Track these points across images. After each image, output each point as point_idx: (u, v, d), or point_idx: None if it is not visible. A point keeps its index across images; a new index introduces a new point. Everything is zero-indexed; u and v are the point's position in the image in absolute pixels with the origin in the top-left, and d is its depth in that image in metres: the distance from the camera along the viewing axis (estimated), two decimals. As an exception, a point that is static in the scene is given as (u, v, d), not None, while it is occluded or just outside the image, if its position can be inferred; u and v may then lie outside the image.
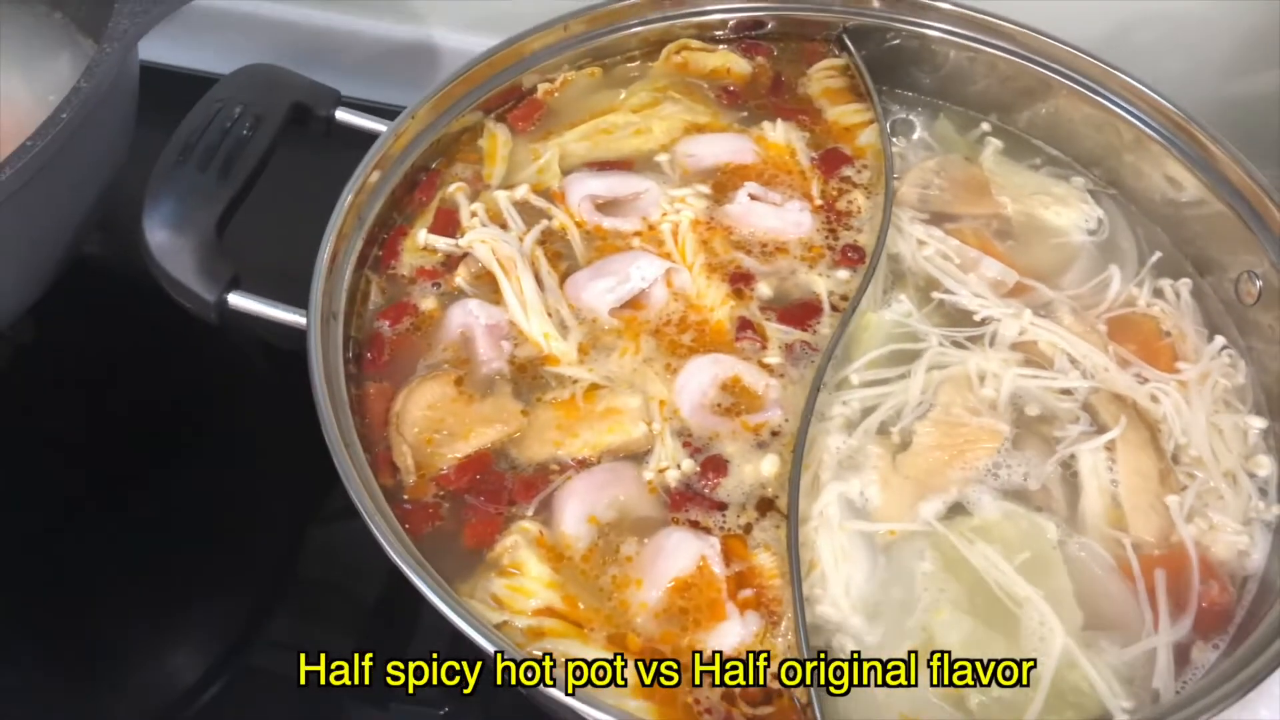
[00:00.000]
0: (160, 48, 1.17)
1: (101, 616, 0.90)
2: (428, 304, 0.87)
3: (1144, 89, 0.97)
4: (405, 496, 0.76)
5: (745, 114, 1.02)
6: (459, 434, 0.79)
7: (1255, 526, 0.81)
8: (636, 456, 0.79)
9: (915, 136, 1.06)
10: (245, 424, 0.97)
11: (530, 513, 0.76)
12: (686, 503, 0.77)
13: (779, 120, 0.99)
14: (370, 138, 0.92)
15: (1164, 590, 0.77)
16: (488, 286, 0.88)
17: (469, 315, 0.85)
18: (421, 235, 0.90)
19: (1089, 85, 0.99)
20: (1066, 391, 0.87)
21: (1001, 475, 0.83)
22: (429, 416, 0.79)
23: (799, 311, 0.88)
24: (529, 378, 0.83)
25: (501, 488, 0.77)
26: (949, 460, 0.83)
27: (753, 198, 0.93)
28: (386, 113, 0.94)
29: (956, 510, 0.81)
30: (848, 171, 0.98)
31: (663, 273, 0.88)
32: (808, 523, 0.78)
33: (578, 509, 0.75)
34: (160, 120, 0.92)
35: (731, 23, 1.05)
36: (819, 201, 0.95)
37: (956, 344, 0.89)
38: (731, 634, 0.70)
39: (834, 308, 0.89)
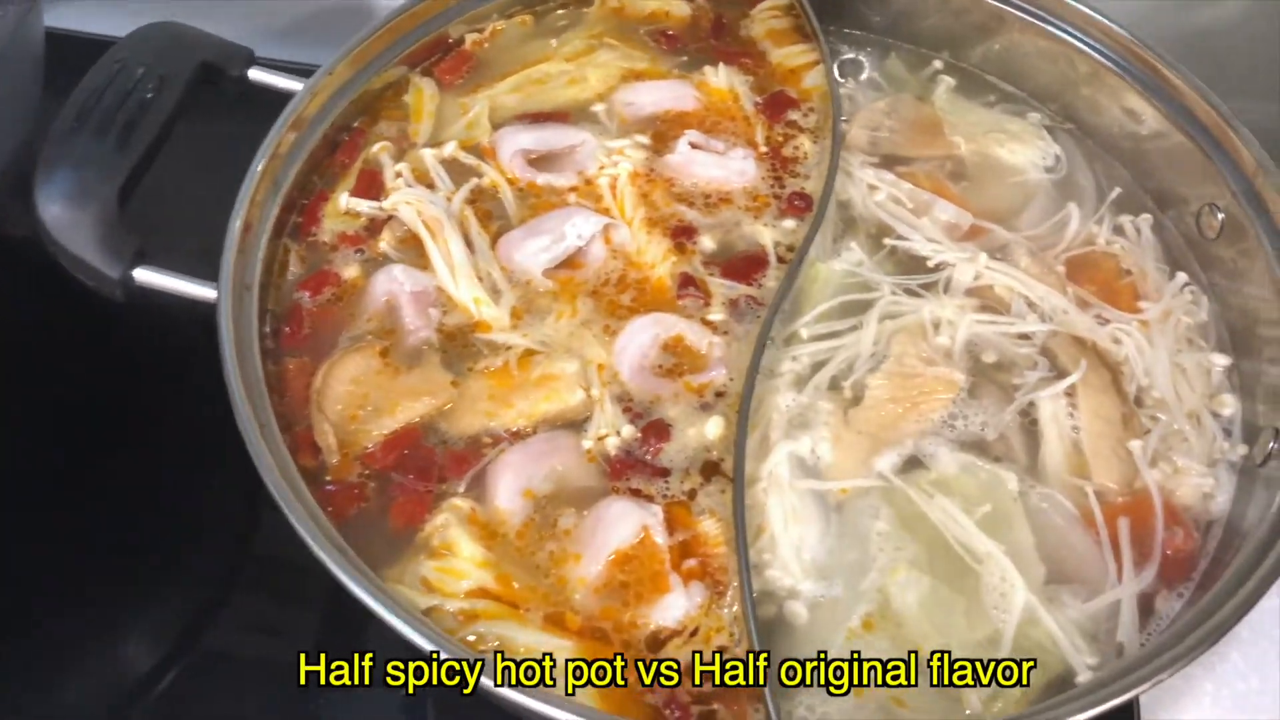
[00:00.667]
0: (70, 14, 1.11)
1: (50, 613, 0.86)
2: (350, 272, 0.82)
3: (1100, 18, 0.93)
4: (328, 478, 0.72)
5: (685, 59, 0.97)
6: (384, 409, 0.75)
7: (1220, 468, 0.78)
8: (574, 425, 0.75)
9: (864, 77, 1.01)
10: (170, 406, 0.92)
11: (462, 489, 0.72)
12: (627, 470, 0.73)
13: (721, 64, 0.94)
14: (287, 98, 0.86)
15: (1127, 539, 0.74)
16: (414, 251, 0.83)
17: (394, 282, 0.80)
18: (343, 199, 0.85)
19: (1043, 17, 0.96)
20: (1024, 336, 0.83)
21: (958, 426, 0.79)
22: (352, 392, 0.75)
23: (743, 265, 0.84)
24: (459, 346, 0.79)
25: (431, 464, 0.73)
26: (903, 413, 0.79)
27: (694, 146, 0.89)
28: (307, 72, 0.88)
29: (913, 465, 0.78)
30: (794, 115, 0.93)
31: (600, 229, 0.84)
32: (756, 484, 0.75)
33: (512, 483, 0.71)
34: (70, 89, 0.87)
35: (668, -40, 1.00)
36: (764, 149, 0.91)
37: (910, 292, 0.86)
38: (675, 607, 0.67)
39: (780, 259, 0.85)
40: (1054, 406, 0.79)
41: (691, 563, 0.69)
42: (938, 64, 1.02)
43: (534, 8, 0.98)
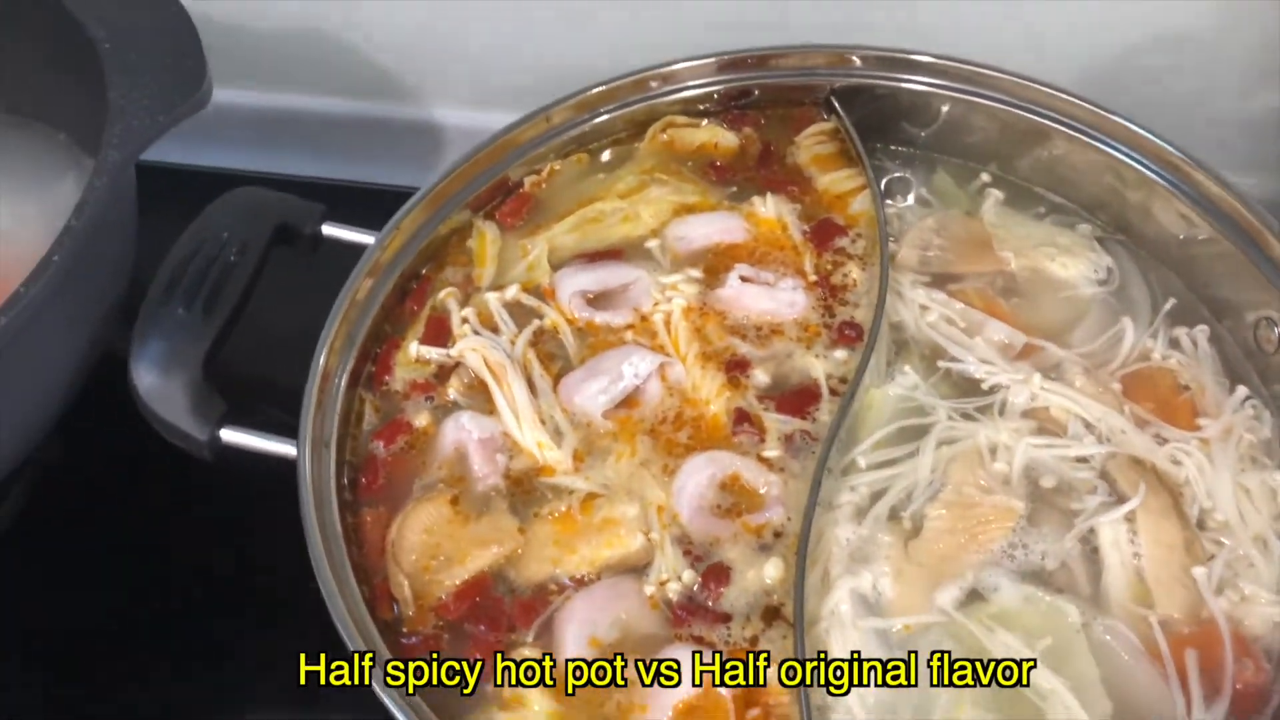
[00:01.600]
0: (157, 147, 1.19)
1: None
2: (421, 420, 0.86)
3: (1138, 130, 0.94)
4: (405, 629, 0.75)
5: (735, 189, 1.00)
6: (456, 558, 0.78)
7: (1291, 595, 0.78)
8: (637, 569, 0.78)
9: (912, 194, 1.03)
10: (252, 563, 0.97)
11: (530, 638, 0.75)
12: (690, 617, 0.75)
13: (769, 194, 0.97)
14: (359, 249, 0.92)
15: (1196, 673, 0.74)
16: (482, 396, 0.87)
17: (461, 430, 0.84)
18: (413, 347, 0.90)
19: (1083, 130, 0.97)
20: (1082, 459, 0.84)
21: (1018, 556, 0.80)
22: (425, 541, 0.79)
23: (796, 399, 0.86)
24: (524, 491, 0.82)
25: (500, 613, 0.76)
26: (963, 544, 0.80)
27: (744, 279, 0.92)
28: (388, 195, 0.94)
29: (974, 597, 0.78)
30: (841, 242, 0.96)
31: (656, 367, 0.87)
32: (818, 624, 0.76)
33: (579, 632, 0.73)
34: (163, 218, 0.94)
35: (716, 95, 1.03)
36: (813, 277, 0.93)
37: (965, 416, 0.87)
38: (740, 757, 0.69)
39: (833, 391, 0.86)
40: (1114, 533, 0.80)
41: (755, 712, 0.71)
42: (985, 177, 1.03)
43: (588, 146, 1.02)
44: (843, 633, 0.76)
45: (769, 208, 0.96)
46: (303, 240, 0.93)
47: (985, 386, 0.88)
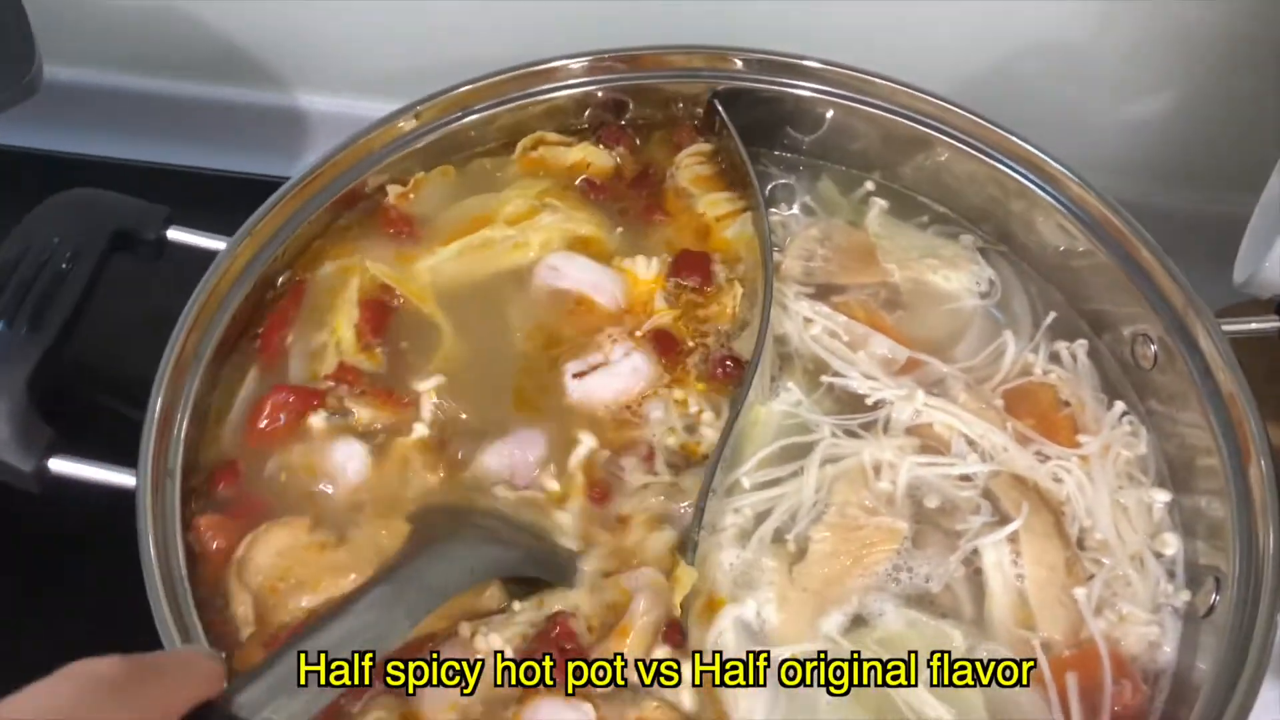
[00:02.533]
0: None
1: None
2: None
3: (1016, 139, 0.93)
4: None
5: (622, 217, 0.95)
6: (308, 583, 0.72)
7: (1165, 614, 0.78)
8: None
9: (797, 202, 1.01)
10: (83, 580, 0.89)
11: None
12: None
13: (648, 259, 0.91)
14: (209, 253, 0.84)
15: (1076, 696, 0.73)
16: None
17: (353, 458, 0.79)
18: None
19: (964, 139, 0.95)
20: (965, 478, 0.83)
21: (903, 579, 0.78)
22: (277, 564, 0.73)
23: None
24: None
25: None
26: (848, 567, 0.78)
27: (576, 376, 0.85)
28: (247, 186, 0.91)
29: (858, 622, 0.77)
30: (712, 269, 0.92)
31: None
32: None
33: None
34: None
35: (593, 101, 0.98)
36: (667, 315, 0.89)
37: (849, 433, 0.85)
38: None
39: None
40: (997, 554, 0.79)
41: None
42: (870, 185, 1.02)
43: (454, 158, 0.96)
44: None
45: (650, 269, 0.91)
46: (145, 247, 0.85)
47: (869, 402, 0.87)
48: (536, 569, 0.74)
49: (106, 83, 1.19)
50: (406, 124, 0.93)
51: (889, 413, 0.86)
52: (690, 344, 0.88)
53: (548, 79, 0.97)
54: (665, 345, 0.87)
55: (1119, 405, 0.88)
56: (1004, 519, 0.80)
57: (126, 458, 0.74)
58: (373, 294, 0.88)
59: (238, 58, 1.18)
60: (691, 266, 0.90)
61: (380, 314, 0.86)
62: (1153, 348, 0.86)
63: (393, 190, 0.93)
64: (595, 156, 0.97)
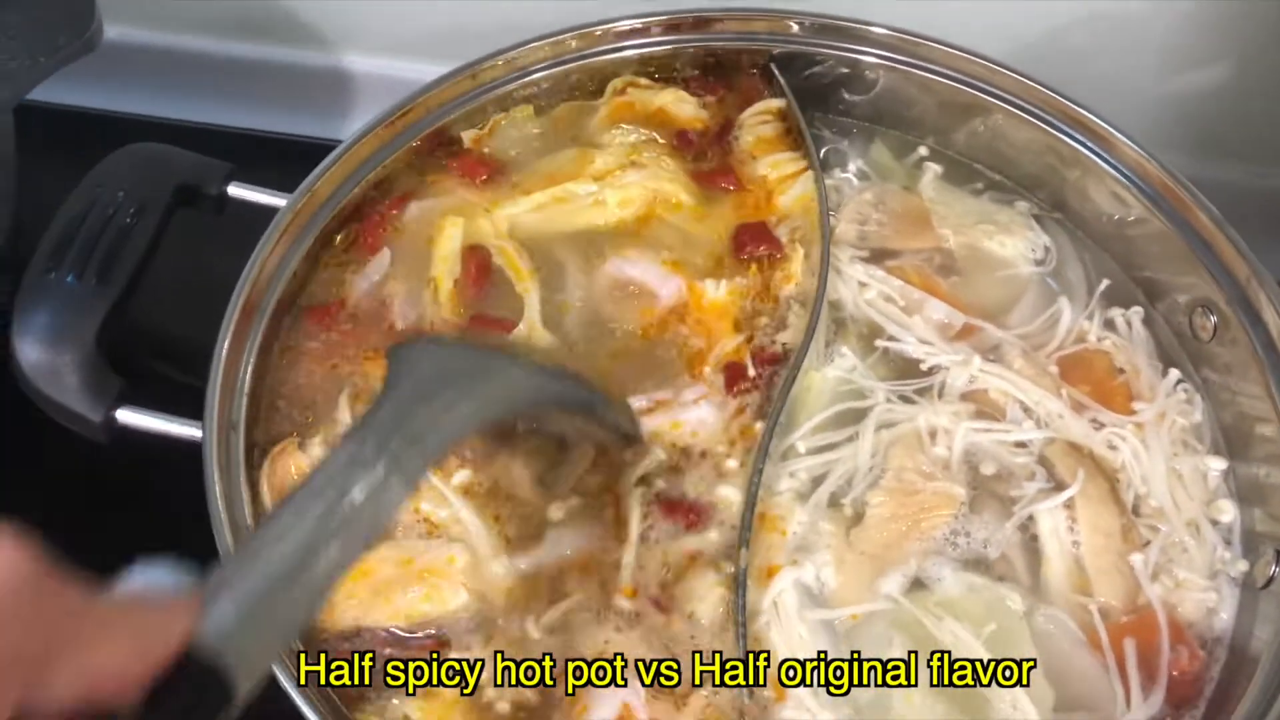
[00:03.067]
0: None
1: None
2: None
3: (1074, 106, 0.92)
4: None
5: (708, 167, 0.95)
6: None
7: (1221, 581, 0.78)
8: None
9: (851, 166, 1.00)
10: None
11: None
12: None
13: (722, 281, 0.88)
14: (269, 210, 0.85)
15: (1134, 661, 0.74)
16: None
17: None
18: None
19: (1017, 103, 0.95)
20: (1021, 444, 0.83)
21: (960, 544, 0.79)
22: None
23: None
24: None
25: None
26: (906, 531, 0.79)
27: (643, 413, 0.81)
28: (296, 148, 0.91)
29: (916, 586, 0.77)
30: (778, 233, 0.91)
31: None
32: (757, 618, 0.74)
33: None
34: (50, 166, 0.85)
35: (655, 59, 0.98)
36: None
37: (904, 398, 0.85)
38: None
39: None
40: (1053, 520, 0.79)
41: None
42: (923, 150, 1.01)
43: (533, 100, 0.96)
44: (785, 626, 0.74)
45: (720, 291, 0.88)
46: (207, 201, 0.86)
47: (924, 368, 0.87)
48: (562, 401, 0.64)
49: (161, 43, 1.19)
50: (465, 84, 0.92)
51: (944, 378, 0.86)
52: (751, 370, 0.84)
53: (604, 41, 0.96)
54: (733, 376, 0.84)
55: (1174, 373, 0.87)
56: (1059, 485, 0.80)
57: (189, 412, 0.75)
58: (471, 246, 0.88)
59: (286, 18, 1.18)
60: (757, 237, 0.90)
61: (482, 269, 0.86)
62: (1213, 319, 0.85)
63: (467, 135, 0.93)
64: (683, 102, 0.96)
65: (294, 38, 1.18)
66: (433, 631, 0.71)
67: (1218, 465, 0.83)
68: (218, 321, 0.78)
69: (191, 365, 0.78)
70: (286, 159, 0.90)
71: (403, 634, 0.71)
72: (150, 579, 0.40)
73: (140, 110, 1.16)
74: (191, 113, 1.17)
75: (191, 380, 0.75)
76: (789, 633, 0.73)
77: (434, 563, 0.73)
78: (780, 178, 0.93)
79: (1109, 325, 0.91)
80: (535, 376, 0.63)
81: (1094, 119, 0.92)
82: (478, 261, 0.86)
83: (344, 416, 0.78)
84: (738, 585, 0.72)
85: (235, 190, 0.87)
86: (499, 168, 0.93)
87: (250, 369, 0.79)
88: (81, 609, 0.34)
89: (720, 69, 0.99)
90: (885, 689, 0.72)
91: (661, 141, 0.95)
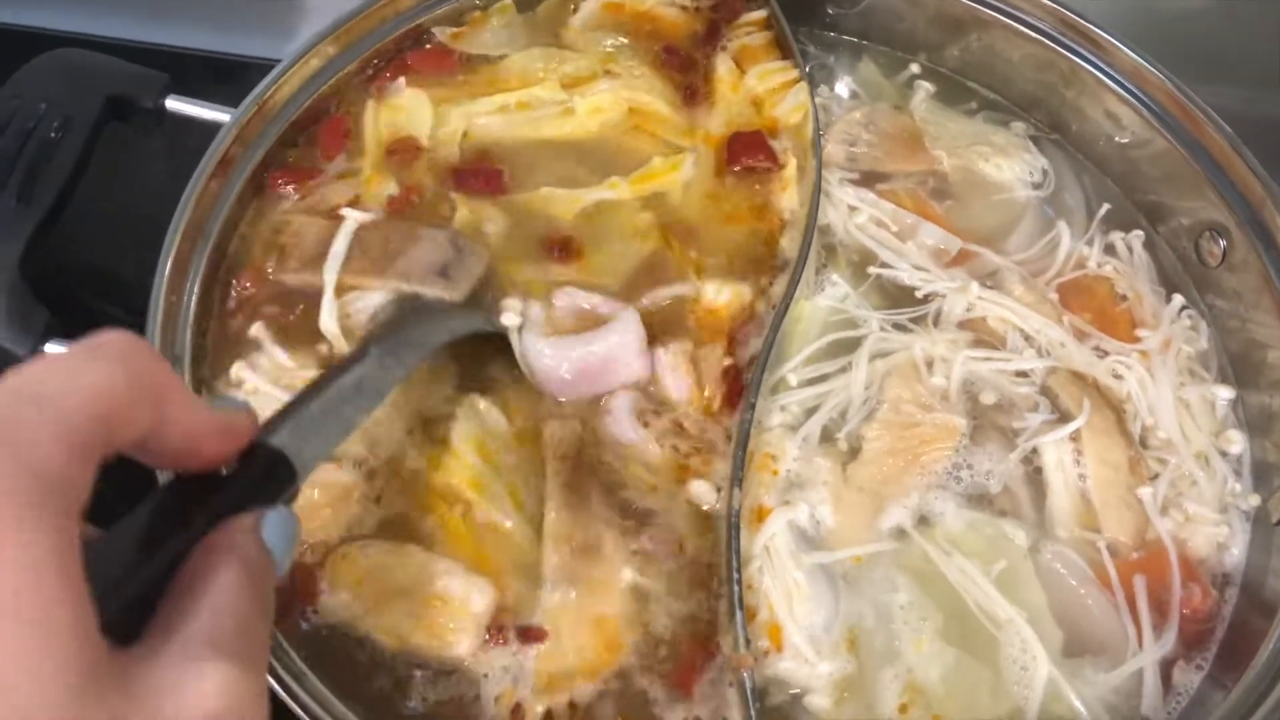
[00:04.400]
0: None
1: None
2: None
3: (1071, 14, 0.87)
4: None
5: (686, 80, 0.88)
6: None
7: (1232, 514, 0.75)
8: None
9: (839, 83, 0.95)
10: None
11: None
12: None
13: (725, 287, 0.78)
14: (209, 128, 0.77)
15: (1145, 599, 0.70)
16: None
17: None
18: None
19: (1014, 13, 0.90)
20: (1022, 374, 0.79)
21: (964, 478, 0.75)
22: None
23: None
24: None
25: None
26: (905, 466, 0.74)
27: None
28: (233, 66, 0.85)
29: (920, 522, 0.73)
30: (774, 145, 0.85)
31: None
32: (749, 563, 0.69)
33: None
34: None
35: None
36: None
37: (899, 327, 0.80)
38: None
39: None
40: (1058, 453, 0.75)
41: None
42: (915, 68, 0.96)
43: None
44: (778, 571, 0.69)
45: (724, 294, 0.78)
46: (141, 115, 0.78)
47: (919, 295, 0.82)
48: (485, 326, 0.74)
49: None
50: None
51: (940, 306, 0.81)
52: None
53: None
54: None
55: (1178, 299, 0.84)
56: (1064, 416, 0.76)
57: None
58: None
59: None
60: (752, 147, 0.83)
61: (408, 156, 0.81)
62: (1222, 243, 0.81)
63: (440, 32, 0.86)
64: (671, 5, 0.90)
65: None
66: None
67: (1226, 394, 0.80)
68: (155, 250, 0.71)
69: (127, 298, 0.71)
70: (227, 78, 0.82)
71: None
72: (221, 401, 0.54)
73: (58, 26, 1.06)
74: (121, 30, 1.08)
75: (122, 314, 0.68)
76: (783, 579, 0.69)
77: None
78: (770, 89, 0.87)
79: (1109, 250, 0.87)
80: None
81: (1098, 30, 0.87)
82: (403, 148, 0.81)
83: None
84: (729, 529, 0.67)
85: (173, 104, 0.79)
86: (466, 64, 0.86)
87: (194, 300, 0.72)
88: (185, 390, 0.41)
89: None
90: (891, 636, 0.68)
91: (639, 50, 0.88)
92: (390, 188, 0.79)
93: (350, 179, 0.80)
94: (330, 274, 0.73)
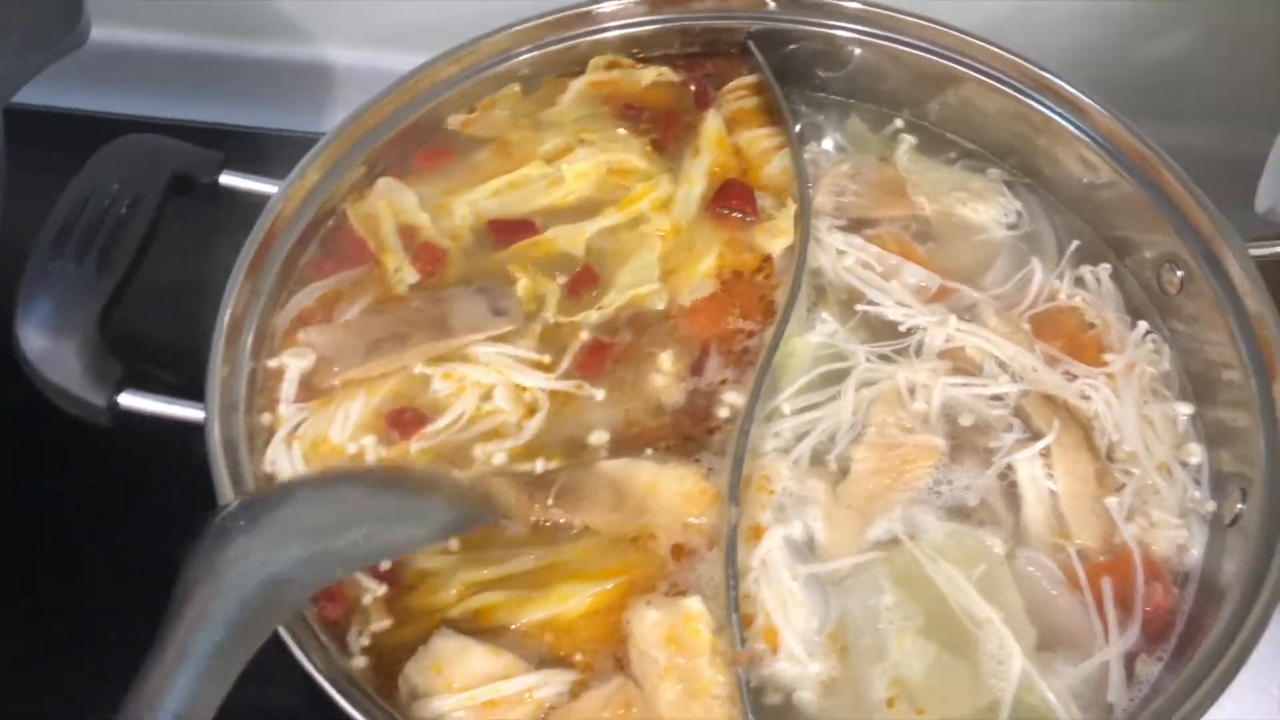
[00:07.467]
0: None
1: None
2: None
3: (1043, 73, 0.95)
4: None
5: (655, 136, 0.97)
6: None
7: (1192, 519, 0.81)
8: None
9: (828, 139, 1.03)
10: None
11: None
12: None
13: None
14: (259, 199, 0.87)
15: (1111, 599, 0.77)
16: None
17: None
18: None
19: (989, 72, 0.97)
20: (997, 397, 0.86)
21: (943, 492, 0.82)
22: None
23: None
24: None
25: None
26: (890, 484, 0.81)
27: None
28: (278, 141, 0.95)
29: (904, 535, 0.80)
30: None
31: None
32: (746, 575, 0.76)
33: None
34: (37, 167, 0.85)
35: (637, 40, 1.01)
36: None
37: (884, 358, 0.88)
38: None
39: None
40: (1031, 468, 0.82)
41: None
42: (899, 123, 1.04)
43: (519, 77, 0.99)
44: (774, 581, 0.76)
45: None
46: (200, 190, 0.88)
47: (902, 329, 0.89)
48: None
49: (143, 41, 1.21)
50: (450, 67, 0.95)
51: (922, 338, 0.89)
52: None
53: (581, 24, 0.99)
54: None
55: (1142, 325, 0.90)
56: (1036, 435, 0.83)
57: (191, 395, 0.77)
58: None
59: (269, 13, 1.20)
60: (742, 197, 0.92)
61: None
62: (1179, 273, 0.88)
63: (455, 120, 0.95)
64: (669, 80, 0.99)
65: (277, 33, 1.20)
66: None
67: (1186, 410, 0.86)
68: (214, 309, 0.80)
69: (190, 352, 0.80)
70: (271, 151, 0.91)
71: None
72: None
73: (125, 110, 1.17)
74: (177, 111, 1.19)
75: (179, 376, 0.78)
76: (779, 587, 0.76)
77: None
78: (761, 152, 0.96)
79: (1079, 282, 0.94)
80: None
81: (1063, 85, 0.94)
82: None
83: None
84: (728, 544, 0.75)
85: (228, 179, 0.89)
86: (458, 156, 0.95)
87: (249, 350, 0.81)
88: None
89: (700, 48, 1.02)
90: (878, 635, 0.75)
91: (604, 114, 0.98)
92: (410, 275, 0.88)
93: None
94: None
